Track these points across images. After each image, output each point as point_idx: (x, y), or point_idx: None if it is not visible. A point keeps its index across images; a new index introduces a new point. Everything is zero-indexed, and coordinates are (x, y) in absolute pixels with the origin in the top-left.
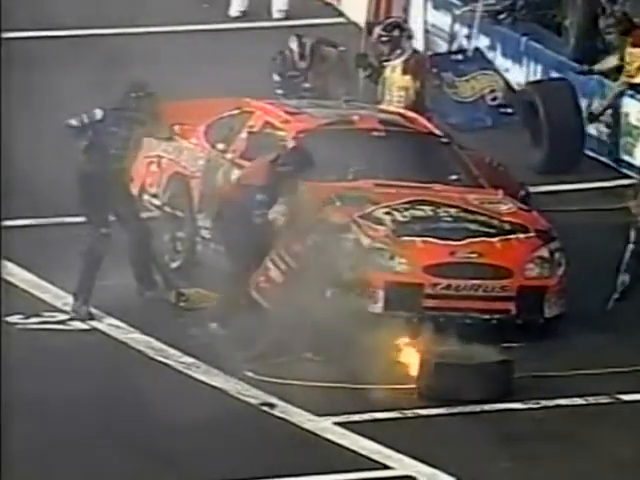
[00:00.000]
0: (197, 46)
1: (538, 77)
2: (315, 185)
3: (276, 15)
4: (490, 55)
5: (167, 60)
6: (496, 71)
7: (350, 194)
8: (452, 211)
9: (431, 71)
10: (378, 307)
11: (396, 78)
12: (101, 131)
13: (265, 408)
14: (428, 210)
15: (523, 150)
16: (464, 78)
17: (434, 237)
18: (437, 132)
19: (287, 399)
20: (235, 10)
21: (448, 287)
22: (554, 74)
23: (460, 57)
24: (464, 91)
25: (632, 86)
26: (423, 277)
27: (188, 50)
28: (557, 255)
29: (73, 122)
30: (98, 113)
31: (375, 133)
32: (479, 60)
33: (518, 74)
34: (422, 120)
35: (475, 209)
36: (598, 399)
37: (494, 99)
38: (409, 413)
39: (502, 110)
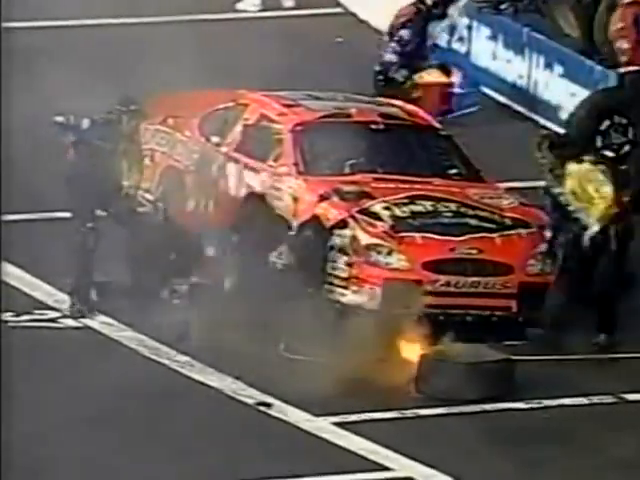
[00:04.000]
0: (198, 35)
1: (541, 69)
2: (312, 179)
3: (287, 4)
4: (492, 46)
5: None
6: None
7: (348, 189)
8: (452, 206)
9: None
10: (376, 304)
11: None
12: (86, 139)
13: (262, 408)
14: (427, 205)
15: None
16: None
17: (433, 233)
18: (437, 125)
19: (284, 398)
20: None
21: (448, 284)
22: (557, 66)
23: None
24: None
25: None
26: (422, 274)
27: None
28: (559, 252)
29: (59, 119)
30: (85, 122)
31: (373, 126)
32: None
33: (520, 66)
34: (422, 113)
35: (475, 204)
36: (602, 399)
37: None
38: (408, 413)
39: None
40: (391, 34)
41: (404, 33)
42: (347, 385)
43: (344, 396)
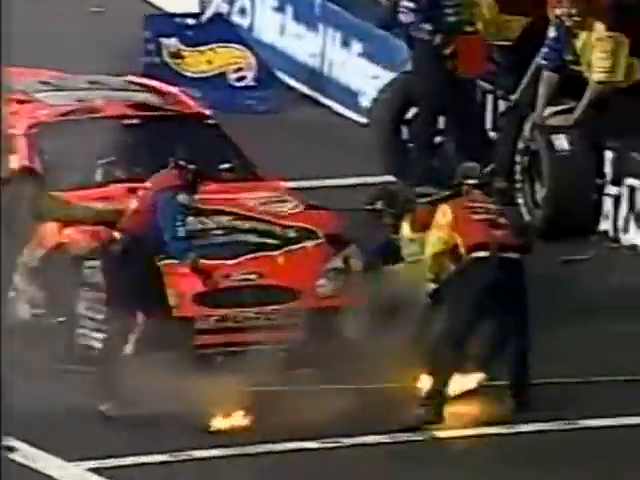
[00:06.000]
0: None
1: (337, 47)
2: (54, 196)
3: None
4: (279, 19)
5: None
6: (246, 45)
7: (100, 207)
8: (224, 220)
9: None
10: (137, 347)
11: None
12: None
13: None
14: (195, 222)
15: None
16: (196, 49)
17: (204, 257)
18: (203, 111)
19: (31, 441)
20: None
21: (224, 319)
22: (355, 43)
23: (190, 22)
24: (195, 64)
25: None
26: (192, 309)
27: None
28: (354, 263)
29: None
30: None
31: (126, 121)
32: (220, 29)
33: (313, 43)
34: (182, 97)
35: (251, 214)
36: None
37: (240, 79)
38: (183, 455)
39: (250, 93)
40: None
41: None
42: (108, 426)
43: (105, 439)
